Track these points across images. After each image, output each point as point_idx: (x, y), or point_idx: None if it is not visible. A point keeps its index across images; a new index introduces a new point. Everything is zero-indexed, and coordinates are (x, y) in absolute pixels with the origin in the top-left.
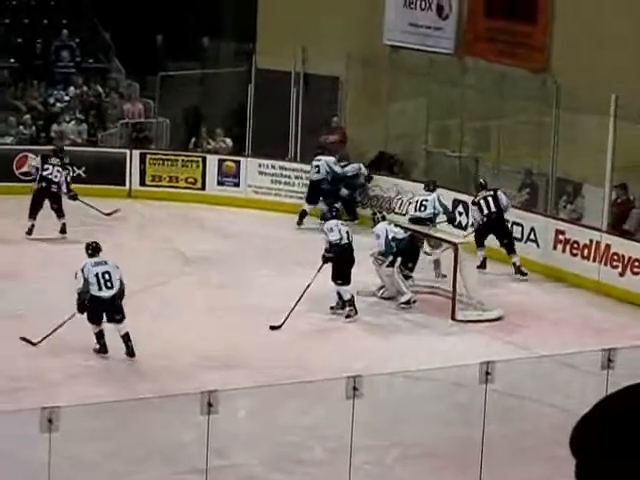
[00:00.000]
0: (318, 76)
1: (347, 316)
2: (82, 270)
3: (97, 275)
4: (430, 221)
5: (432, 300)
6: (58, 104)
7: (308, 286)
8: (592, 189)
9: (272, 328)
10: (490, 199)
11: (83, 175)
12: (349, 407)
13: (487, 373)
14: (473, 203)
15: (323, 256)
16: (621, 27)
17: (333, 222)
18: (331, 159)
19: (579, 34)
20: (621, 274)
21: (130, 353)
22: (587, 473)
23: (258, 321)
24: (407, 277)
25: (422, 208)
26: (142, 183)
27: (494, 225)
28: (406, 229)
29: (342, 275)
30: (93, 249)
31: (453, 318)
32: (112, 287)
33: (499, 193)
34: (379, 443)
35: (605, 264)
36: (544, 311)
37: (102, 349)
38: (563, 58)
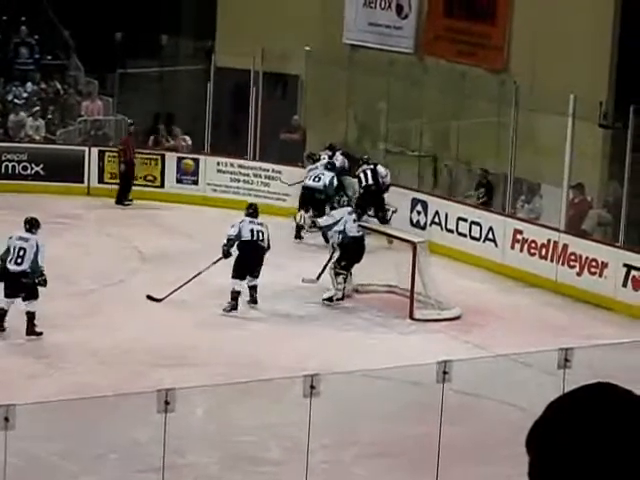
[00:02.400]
0: (278, 74)
1: (224, 309)
2: (9, 239)
3: (14, 248)
4: (320, 192)
5: (390, 299)
6: (16, 100)
7: (199, 273)
8: (550, 189)
9: (149, 298)
10: (369, 172)
11: (42, 172)
12: (306, 406)
13: (444, 372)
14: (354, 176)
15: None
16: (579, 28)
17: (241, 219)
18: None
19: (538, 35)
20: (578, 274)
21: (27, 332)
22: (540, 471)
23: (214, 319)
24: (338, 274)
25: (317, 179)
26: (100, 180)
27: (372, 197)
28: (365, 227)
29: (236, 269)
30: (29, 224)
31: (411, 317)
32: (21, 264)
33: (378, 167)
34: (336, 442)
35: (562, 264)
36: (502, 310)
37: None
38: (522, 58)
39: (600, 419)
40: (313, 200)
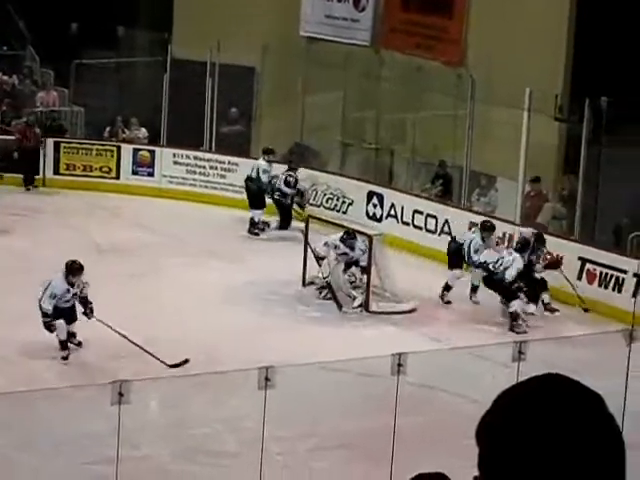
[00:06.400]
0: (234, 66)
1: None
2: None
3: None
4: (264, 185)
5: None
6: None
7: None
8: (506, 182)
9: None
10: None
11: None
12: (261, 398)
13: (399, 365)
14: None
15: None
16: (536, 22)
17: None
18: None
19: (494, 28)
20: None
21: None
22: (488, 462)
23: (170, 311)
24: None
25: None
26: (56, 172)
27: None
28: (341, 225)
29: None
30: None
31: (367, 310)
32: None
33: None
34: (292, 434)
35: None
36: (457, 303)
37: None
38: (479, 52)
39: (548, 410)
40: (258, 192)
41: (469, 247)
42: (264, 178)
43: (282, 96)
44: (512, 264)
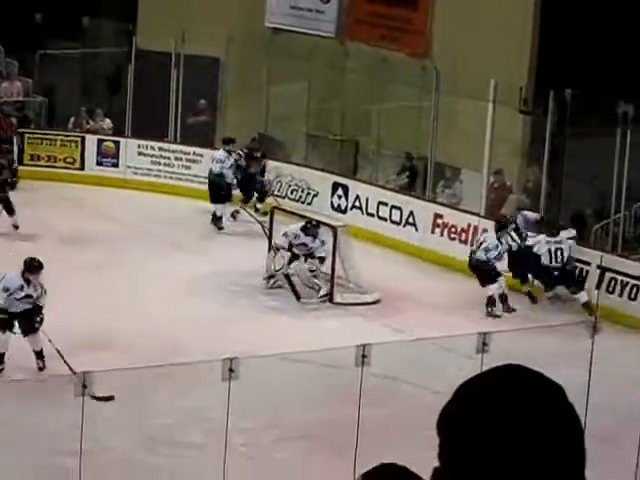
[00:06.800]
0: (199, 57)
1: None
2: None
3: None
4: (221, 176)
5: None
6: None
7: None
8: (470, 174)
9: None
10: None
11: None
12: (225, 389)
13: (363, 356)
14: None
15: None
16: (501, 13)
17: None
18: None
19: (459, 20)
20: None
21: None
22: (449, 452)
23: (133, 302)
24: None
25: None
26: (20, 162)
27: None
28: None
29: None
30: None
31: (331, 301)
32: None
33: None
34: (256, 425)
35: None
36: (421, 295)
37: None
38: (443, 43)
39: (508, 400)
40: (215, 185)
41: (479, 245)
42: (216, 168)
43: (247, 87)
44: (569, 251)
